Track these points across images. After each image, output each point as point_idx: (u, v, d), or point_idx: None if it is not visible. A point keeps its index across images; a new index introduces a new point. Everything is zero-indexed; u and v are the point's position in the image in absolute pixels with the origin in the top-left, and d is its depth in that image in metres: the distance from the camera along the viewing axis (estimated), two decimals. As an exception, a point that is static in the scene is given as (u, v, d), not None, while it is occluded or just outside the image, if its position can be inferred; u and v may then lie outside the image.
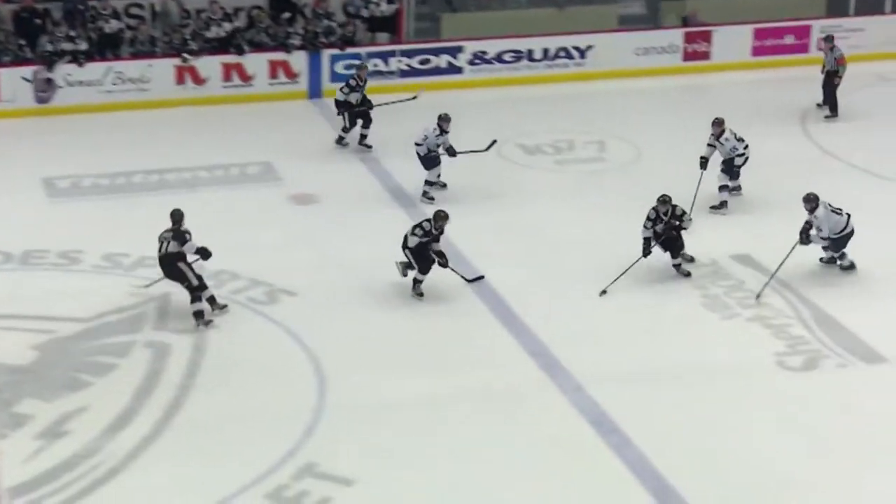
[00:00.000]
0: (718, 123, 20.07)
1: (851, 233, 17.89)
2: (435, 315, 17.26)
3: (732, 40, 27.10)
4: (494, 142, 21.29)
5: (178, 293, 17.01)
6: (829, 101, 24.39)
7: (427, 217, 17.79)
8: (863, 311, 17.17)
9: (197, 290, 16.79)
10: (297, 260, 18.56)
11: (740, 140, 20.12)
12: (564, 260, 18.62)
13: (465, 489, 13.74)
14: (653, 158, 22.27)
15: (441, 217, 17.47)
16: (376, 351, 16.31)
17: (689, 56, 26.99)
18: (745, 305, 17.36)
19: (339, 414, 14.96)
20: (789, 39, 27.38)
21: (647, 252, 17.87)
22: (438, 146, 20.47)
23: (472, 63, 25.97)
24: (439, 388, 15.53)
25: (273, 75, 25.17)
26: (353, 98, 22.12)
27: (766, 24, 27.31)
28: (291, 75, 25.22)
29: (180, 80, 24.74)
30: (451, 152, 20.65)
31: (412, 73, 25.59)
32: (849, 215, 17.84)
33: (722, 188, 20.14)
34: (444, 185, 20.72)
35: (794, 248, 17.67)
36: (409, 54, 25.75)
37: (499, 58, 26.08)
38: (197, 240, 16.76)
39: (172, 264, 16.81)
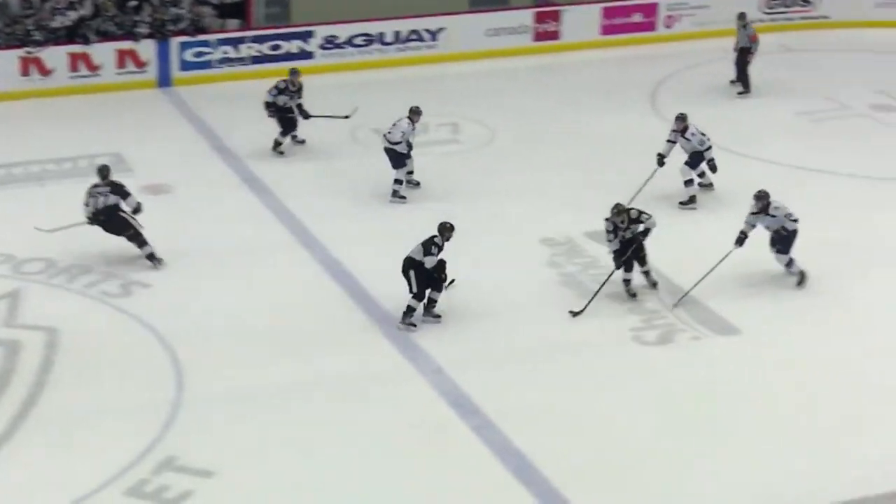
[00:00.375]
0: (682, 119, 19.63)
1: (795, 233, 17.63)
2: (291, 302, 17.16)
3: (582, 20, 27.35)
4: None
5: (28, 288, 16.71)
6: (742, 77, 24.79)
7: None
8: (715, 285, 17.40)
9: (142, 235, 17.32)
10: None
11: (703, 133, 19.69)
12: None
13: (326, 475, 13.69)
14: (506, 140, 22.37)
15: (448, 228, 16.63)
16: (233, 341, 16.15)
17: (539, 36, 27.17)
18: (599, 282, 17.51)
19: (197, 406, 14.80)
20: (637, 17, 27.71)
21: (619, 265, 17.18)
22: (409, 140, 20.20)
23: (323, 48, 25.86)
24: (297, 375, 15.45)
25: (121, 65, 24.78)
26: (281, 101, 21.29)
27: (614, 3, 27.62)
28: (140, 64, 24.87)
29: (25, 72, 24.25)
30: (305, 115, 21.27)
31: (263, 59, 25.41)
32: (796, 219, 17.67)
33: (688, 182, 19.82)
34: (417, 184, 20.49)
35: (727, 254, 17.32)
36: (259, 40, 25.55)
37: (350, 42, 25.99)
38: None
39: (113, 216, 17.29)
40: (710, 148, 19.69)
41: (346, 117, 21.72)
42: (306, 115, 21.41)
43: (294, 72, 21.57)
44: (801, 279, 17.66)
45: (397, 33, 26.23)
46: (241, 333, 16.34)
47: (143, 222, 17.71)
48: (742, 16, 24.88)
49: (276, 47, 25.56)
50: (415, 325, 16.44)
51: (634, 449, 14.13)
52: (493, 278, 17.73)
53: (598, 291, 17.05)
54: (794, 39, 27.96)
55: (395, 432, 14.41)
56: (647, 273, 17.45)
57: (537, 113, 22.72)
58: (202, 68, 25.12)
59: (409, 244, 16.85)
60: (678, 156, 19.78)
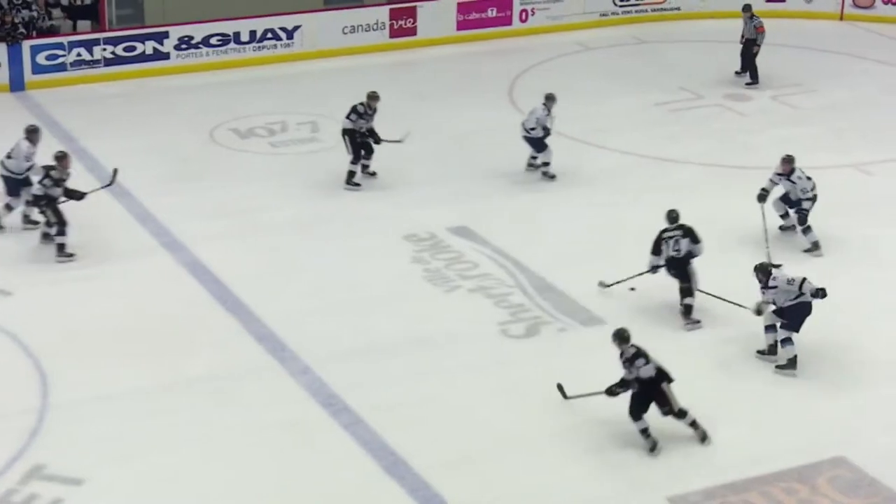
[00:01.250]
0: (788, 161, 18.32)
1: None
2: (156, 303, 16.97)
3: (437, 15, 27.42)
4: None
5: None
6: (750, 67, 25.10)
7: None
8: (580, 276, 17.60)
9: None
10: (9, 257, 18.00)
11: (809, 179, 18.38)
12: (283, 242, 18.58)
13: (196, 478, 13.58)
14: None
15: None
16: (97, 344, 15.92)
17: (395, 33, 27.19)
18: (465, 277, 17.62)
19: (64, 412, 14.57)
20: (492, 12, 27.85)
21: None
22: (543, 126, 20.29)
23: (178, 48, 25.56)
24: (164, 377, 15.29)
25: (-29, 69, 24.31)
26: (360, 126, 20.14)
27: (468, -1, 27.78)
28: (-9, 68, 24.41)
29: None
30: (547, 133, 20.43)
31: (117, 61, 25.03)
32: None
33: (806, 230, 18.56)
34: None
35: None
36: (113, 42, 25.15)
37: (206, 42, 25.74)
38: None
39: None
40: (810, 199, 18.35)
41: (400, 141, 20.61)
42: (378, 140, 20.24)
43: (373, 96, 20.31)
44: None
45: (253, 32, 26.04)
46: (104, 338, 16.10)
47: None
48: (747, 7, 25.26)
49: (130, 49, 25.19)
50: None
51: (500, 440, 14.23)
52: (359, 275, 17.72)
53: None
54: (647, 31, 28.35)
55: (264, 432, 14.32)
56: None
57: (395, 109, 22.72)
58: (56, 71, 24.67)
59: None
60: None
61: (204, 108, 22.74)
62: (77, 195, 18.06)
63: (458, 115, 23.36)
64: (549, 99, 20.42)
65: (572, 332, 16.51)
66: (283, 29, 26.31)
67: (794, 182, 18.30)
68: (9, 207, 18.80)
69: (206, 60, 25.67)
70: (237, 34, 25.95)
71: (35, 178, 18.35)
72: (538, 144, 20.53)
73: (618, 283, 17.26)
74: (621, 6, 28.79)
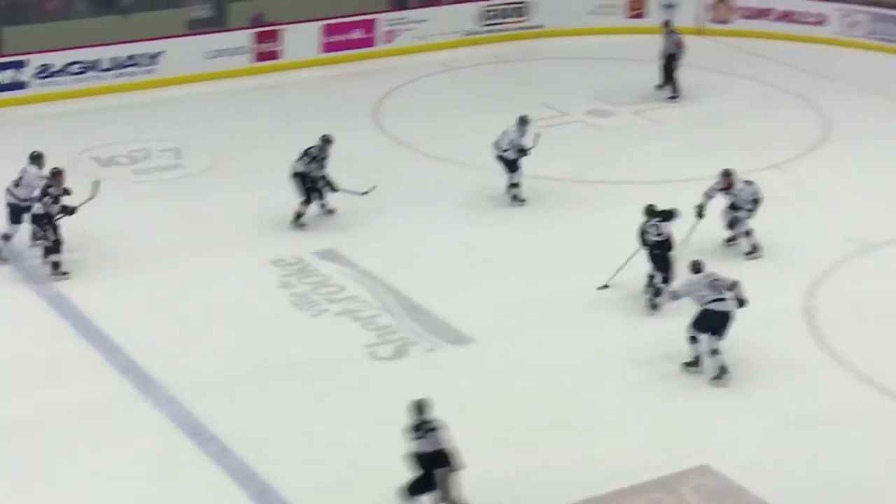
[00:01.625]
0: (728, 175, 18.82)
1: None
2: (17, 337, 16.68)
3: (302, 38, 27.33)
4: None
5: None
6: (671, 82, 25.48)
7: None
8: (446, 295, 17.64)
9: None
10: None
11: (750, 184, 18.96)
12: (145, 270, 18.34)
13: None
14: (230, 162, 22.19)
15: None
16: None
17: (260, 56, 27.05)
18: (332, 300, 17.56)
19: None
20: (357, 34, 27.84)
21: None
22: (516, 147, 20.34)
23: (37, 77, 25.18)
24: (27, 410, 15.02)
25: None
26: (312, 169, 19.52)
27: (333, 21, 27.67)
28: None
29: None
30: (523, 152, 20.42)
31: (-26, 90, 24.63)
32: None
33: (748, 232, 19.03)
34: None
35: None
36: (-31, 72, 24.76)
37: (65, 70, 25.38)
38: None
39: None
40: (756, 200, 18.90)
41: (364, 193, 20.11)
42: (335, 189, 19.70)
43: (327, 139, 19.78)
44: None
45: (114, 59, 25.73)
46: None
47: None
48: (667, 23, 25.74)
49: (-13, 78, 24.81)
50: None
51: (371, 464, 14.15)
52: (226, 300, 17.58)
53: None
54: (511, 50, 28.53)
55: (131, 464, 14.13)
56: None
57: (260, 134, 22.64)
58: (-90, 102, 24.22)
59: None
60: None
61: (64, 137, 22.40)
62: (70, 210, 18.06)
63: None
64: (523, 121, 20.54)
65: (441, 352, 16.52)
66: (145, 55, 26.01)
67: (735, 195, 18.82)
68: (7, 237, 18.56)
69: (65, 89, 25.30)
70: (98, 62, 25.62)
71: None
72: (511, 165, 20.55)
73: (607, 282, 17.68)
74: (485, 26, 28.95)
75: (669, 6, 29.50)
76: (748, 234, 18.95)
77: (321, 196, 19.79)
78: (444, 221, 20.00)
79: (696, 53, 27.97)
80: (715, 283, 15.73)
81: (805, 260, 18.73)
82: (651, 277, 17.42)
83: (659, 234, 17.32)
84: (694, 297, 15.82)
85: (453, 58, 27.77)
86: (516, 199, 20.64)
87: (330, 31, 27.64)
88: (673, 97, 25.58)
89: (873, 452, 14.59)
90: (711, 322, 15.71)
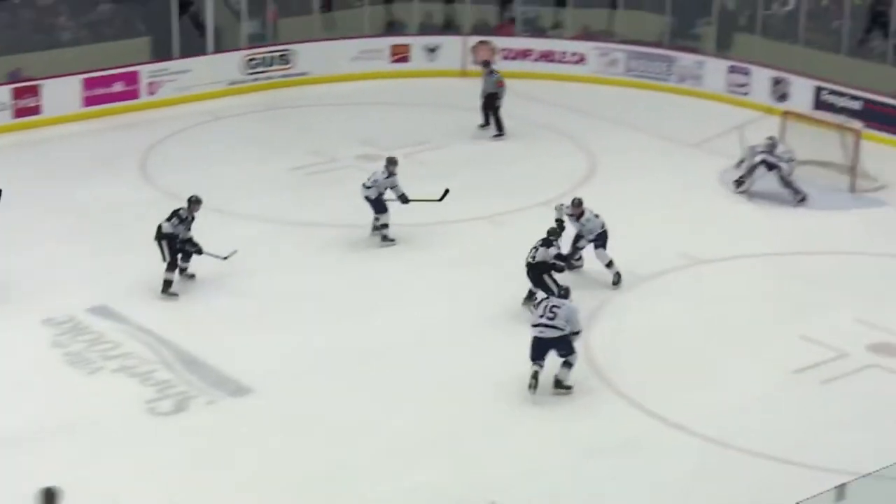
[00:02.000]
0: (577, 205, 19.40)
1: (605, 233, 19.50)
2: None
3: (62, 93, 26.72)
4: (447, 191, 21.16)
5: None
6: (496, 121, 25.86)
7: None
8: (224, 346, 17.46)
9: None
10: None
11: (597, 217, 19.55)
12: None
13: None
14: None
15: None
16: None
17: (19, 112, 26.35)
18: (108, 357, 17.18)
19: None
20: (119, 87, 27.39)
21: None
22: (391, 189, 20.65)
23: None
24: None
25: None
26: (179, 231, 18.97)
27: (94, 74, 27.16)
28: None
29: None
30: (403, 199, 20.69)
31: None
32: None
33: (609, 264, 19.54)
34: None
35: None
36: None
37: None
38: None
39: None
40: (598, 237, 19.54)
41: (226, 258, 19.61)
42: (200, 251, 19.14)
43: (195, 200, 19.29)
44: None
45: None
46: None
47: None
48: (486, 63, 26.22)
49: None
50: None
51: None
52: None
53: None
54: (278, 98, 28.45)
55: None
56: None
57: (23, 191, 22.02)
58: None
59: None
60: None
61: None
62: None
63: (89, 193, 22.80)
64: (391, 162, 20.89)
65: (221, 404, 16.29)
66: None
67: (582, 224, 19.50)
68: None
69: None
70: None
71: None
72: (378, 205, 20.77)
73: None
74: (250, 74, 28.81)
75: (432, 50, 29.94)
76: (609, 265, 19.41)
77: (186, 258, 19.29)
78: (217, 271, 19.75)
79: (461, 95, 28.41)
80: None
81: (579, 295, 19.02)
82: (532, 293, 18.25)
83: (533, 258, 18.22)
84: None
85: (220, 107, 27.57)
86: (385, 240, 20.81)
87: (91, 84, 27.11)
88: (498, 135, 26.02)
89: (649, 481, 14.87)
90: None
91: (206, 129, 26.37)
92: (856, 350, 17.74)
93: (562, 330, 16.29)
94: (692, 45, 29.80)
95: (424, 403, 16.43)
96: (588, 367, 17.18)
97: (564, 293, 17.03)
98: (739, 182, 23.06)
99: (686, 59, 29.14)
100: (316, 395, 16.50)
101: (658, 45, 29.68)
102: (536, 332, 16.36)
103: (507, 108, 27.19)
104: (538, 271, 18.32)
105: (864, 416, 16.22)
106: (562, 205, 19.50)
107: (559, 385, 16.48)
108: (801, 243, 21.28)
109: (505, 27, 30.98)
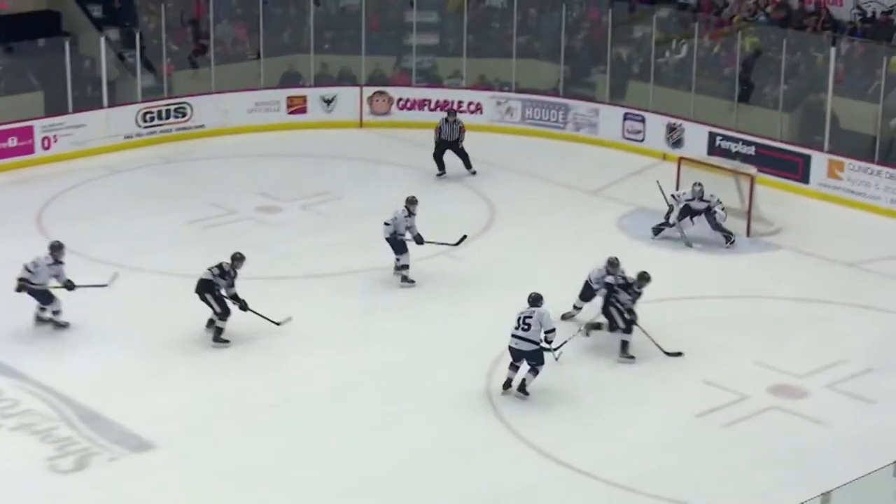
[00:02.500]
0: (614, 264, 19.35)
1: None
2: None
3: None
4: (465, 237, 22.07)
5: None
6: (465, 160, 26.58)
7: None
8: (125, 401, 17.26)
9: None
10: None
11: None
12: None
13: None
14: None
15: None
16: None
17: None
18: (6, 415, 16.90)
19: None
20: (13, 142, 27.06)
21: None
22: (408, 229, 21.20)
23: None
24: None
25: None
26: (223, 285, 19.08)
27: (-13, 130, 26.86)
28: None
29: None
30: (419, 240, 21.31)
31: None
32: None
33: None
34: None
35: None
36: None
37: None
38: None
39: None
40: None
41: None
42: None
43: (239, 257, 19.31)
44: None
45: None
46: None
47: None
48: (452, 112, 26.94)
49: None
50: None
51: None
52: None
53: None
54: (175, 150, 28.26)
55: None
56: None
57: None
58: None
59: None
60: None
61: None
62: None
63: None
64: (411, 202, 21.36)
65: (124, 460, 16.08)
66: None
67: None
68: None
69: None
70: None
71: None
72: (396, 245, 21.26)
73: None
74: (146, 127, 28.60)
75: (328, 101, 29.99)
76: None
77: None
78: (116, 326, 19.55)
79: (358, 145, 28.49)
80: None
81: (484, 342, 19.09)
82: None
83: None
84: None
85: (116, 161, 27.33)
86: (405, 280, 21.23)
87: (-14, 140, 26.82)
88: (474, 172, 26.74)
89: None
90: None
91: (103, 183, 26.14)
92: (756, 392, 17.96)
93: (535, 343, 17.47)
94: (587, 94, 30.15)
95: (336, 454, 16.35)
96: (494, 415, 17.23)
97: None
98: (658, 230, 23.32)
99: (581, 107, 29.45)
100: (220, 449, 16.36)
101: (554, 93, 29.98)
102: (513, 342, 17.56)
103: (405, 159, 27.37)
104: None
105: (766, 458, 16.41)
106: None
107: (521, 389, 17.59)
108: (700, 287, 21.53)
109: (401, 77, 31.09)
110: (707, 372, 18.46)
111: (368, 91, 30.36)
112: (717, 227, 23.08)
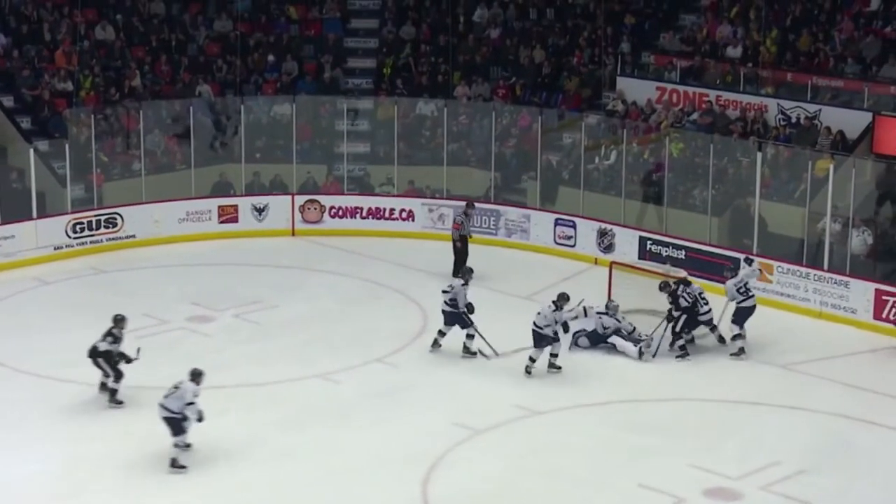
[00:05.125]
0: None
1: None
2: None
3: None
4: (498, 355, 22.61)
5: None
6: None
7: None
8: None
9: None
10: None
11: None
12: None
13: None
14: None
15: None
16: None
17: None
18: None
19: None
20: None
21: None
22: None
23: None
24: None
25: None
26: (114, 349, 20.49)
27: None
28: None
29: None
30: (469, 309, 22.69)
31: None
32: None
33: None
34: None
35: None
36: None
37: None
38: None
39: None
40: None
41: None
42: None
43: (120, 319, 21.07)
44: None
45: None
46: None
47: None
48: (471, 205, 27.29)
49: None
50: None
51: None
52: None
53: None
54: (105, 261, 28.09)
55: None
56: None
57: None
58: None
59: None
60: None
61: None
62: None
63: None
64: (561, 298, 22.11)
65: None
66: None
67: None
68: None
69: None
70: None
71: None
72: (456, 319, 22.58)
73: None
74: (75, 238, 28.46)
75: (260, 210, 30.02)
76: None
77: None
78: (41, 438, 19.29)
79: (291, 254, 28.48)
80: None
81: (417, 451, 19.01)
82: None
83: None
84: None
85: (46, 272, 27.14)
86: (553, 367, 22.13)
87: None
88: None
89: None
90: None
91: (32, 295, 25.92)
92: (692, 495, 17.97)
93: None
94: (518, 200, 30.38)
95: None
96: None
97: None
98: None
99: (513, 213, 29.66)
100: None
101: (485, 199, 30.17)
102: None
103: (338, 267, 27.40)
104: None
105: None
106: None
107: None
108: (632, 391, 21.59)
109: (333, 186, 31.20)
110: (642, 476, 18.46)
111: (300, 199, 30.43)
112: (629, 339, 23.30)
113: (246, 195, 30.46)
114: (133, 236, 29.18)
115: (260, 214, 30.16)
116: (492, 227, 29.71)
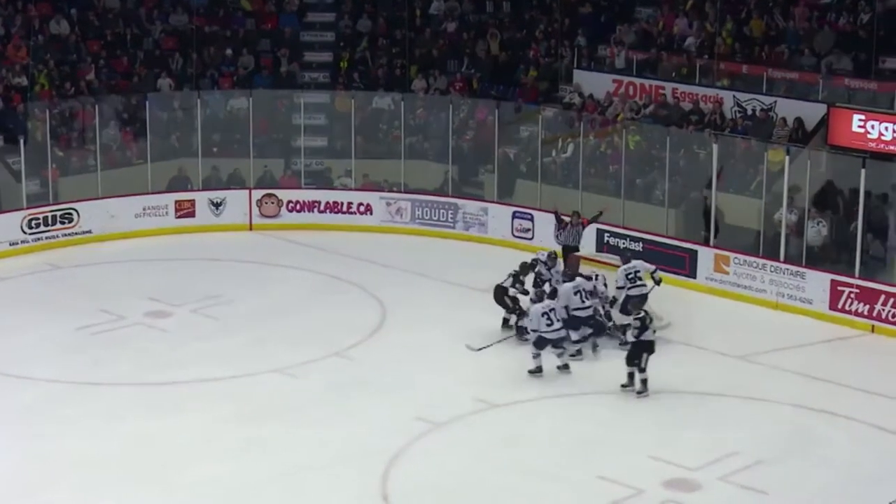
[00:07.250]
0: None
1: None
2: None
3: None
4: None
5: None
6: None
7: None
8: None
9: None
10: None
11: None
12: None
13: None
14: None
15: None
16: None
17: None
18: None
19: None
20: None
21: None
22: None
23: None
24: None
25: None
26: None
27: None
28: None
29: None
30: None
31: None
32: None
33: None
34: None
35: None
36: None
37: None
38: None
39: None
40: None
41: None
42: None
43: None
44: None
45: None
46: None
47: None
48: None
49: None
50: None
51: None
52: None
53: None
54: (61, 257, 27.93)
55: None
56: None
57: None
58: None
59: None
60: None
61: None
62: None
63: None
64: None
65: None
66: None
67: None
68: None
69: None
70: None
71: None
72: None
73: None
74: (31, 234, 28.27)
75: (217, 205, 29.91)
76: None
77: None
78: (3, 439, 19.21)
79: (248, 248, 28.39)
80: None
81: (377, 445, 18.99)
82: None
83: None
84: None
85: (2, 268, 26.96)
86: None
87: None
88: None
89: None
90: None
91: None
92: (652, 487, 18.02)
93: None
94: (476, 193, 30.38)
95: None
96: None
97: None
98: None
99: (470, 206, 29.66)
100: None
101: (442, 193, 30.17)
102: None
103: (296, 261, 27.32)
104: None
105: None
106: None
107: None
108: (591, 384, 21.59)
109: (290, 180, 31.10)
110: (602, 468, 18.49)
111: (257, 194, 30.33)
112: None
113: (203, 190, 30.32)
114: (89, 232, 29.01)
115: (217, 209, 30.05)
116: (449, 220, 29.70)
